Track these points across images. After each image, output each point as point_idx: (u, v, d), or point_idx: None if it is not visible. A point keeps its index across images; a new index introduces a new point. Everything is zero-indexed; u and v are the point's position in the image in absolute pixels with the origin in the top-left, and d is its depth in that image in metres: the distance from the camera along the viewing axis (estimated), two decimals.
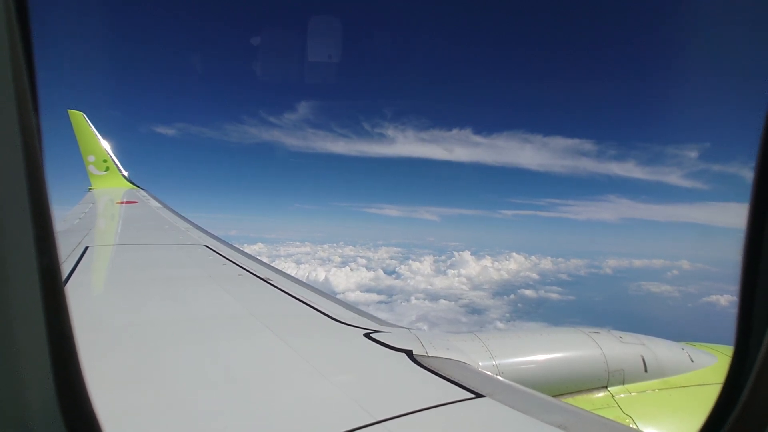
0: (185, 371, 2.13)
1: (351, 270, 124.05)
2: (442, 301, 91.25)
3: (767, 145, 0.87)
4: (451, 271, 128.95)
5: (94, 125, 13.26)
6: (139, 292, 3.65)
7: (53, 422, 0.85)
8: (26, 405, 0.81)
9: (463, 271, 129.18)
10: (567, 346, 3.03)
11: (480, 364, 2.64)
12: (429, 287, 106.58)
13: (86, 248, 5.26)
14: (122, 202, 10.73)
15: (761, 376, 0.93)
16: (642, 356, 3.12)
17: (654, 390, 3.06)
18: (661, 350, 3.24)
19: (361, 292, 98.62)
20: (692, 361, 3.27)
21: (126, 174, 13.46)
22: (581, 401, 2.85)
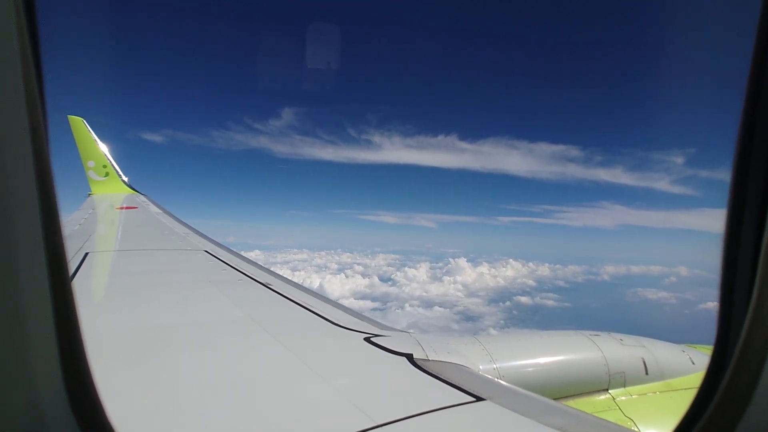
0: (186, 375, 2.13)
1: (346, 277, 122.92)
2: (436, 308, 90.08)
3: (742, 147, 0.90)
4: (446, 278, 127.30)
5: None
6: (139, 297, 3.65)
7: (63, 413, 0.87)
8: (36, 397, 0.83)
9: (458, 278, 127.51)
10: (568, 348, 3.04)
11: (480, 367, 2.64)
12: (424, 294, 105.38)
13: (86, 254, 5.25)
14: (122, 208, 10.69)
15: (736, 374, 0.95)
16: (643, 359, 3.13)
17: (655, 392, 3.06)
18: (661, 352, 3.25)
19: (355, 299, 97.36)
20: (693, 363, 3.27)
21: (126, 179, 13.44)
22: (582, 404, 2.85)
